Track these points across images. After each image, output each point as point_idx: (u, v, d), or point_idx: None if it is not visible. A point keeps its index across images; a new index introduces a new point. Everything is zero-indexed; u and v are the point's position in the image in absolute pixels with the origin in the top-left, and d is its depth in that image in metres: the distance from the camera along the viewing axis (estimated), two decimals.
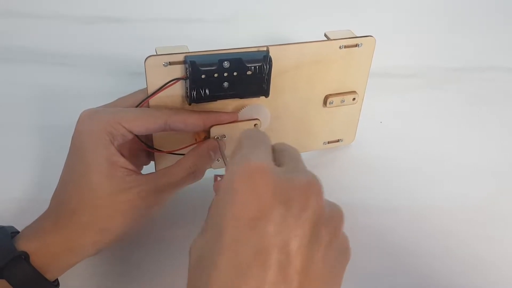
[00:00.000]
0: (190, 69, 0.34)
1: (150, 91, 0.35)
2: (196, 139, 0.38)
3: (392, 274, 0.38)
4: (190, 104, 0.36)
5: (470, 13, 0.59)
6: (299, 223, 0.22)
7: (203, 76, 0.34)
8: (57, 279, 0.35)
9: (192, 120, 0.36)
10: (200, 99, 0.35)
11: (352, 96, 0.43)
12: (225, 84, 0.35)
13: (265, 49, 0.36)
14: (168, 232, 0.39)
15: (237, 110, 0.38)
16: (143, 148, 0.38)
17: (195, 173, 0.36)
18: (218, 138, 0.37)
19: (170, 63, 0.34)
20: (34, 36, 0.54)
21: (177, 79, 0.35)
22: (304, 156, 0.27)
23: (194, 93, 0.35)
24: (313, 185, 0.23)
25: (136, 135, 0.35)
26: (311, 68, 0.40)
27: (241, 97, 0.37)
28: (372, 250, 0.39)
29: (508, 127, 0.51)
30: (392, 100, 0.46)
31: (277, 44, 0.37)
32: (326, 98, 0.42)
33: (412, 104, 0.51)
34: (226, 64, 0.35)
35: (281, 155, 0.27)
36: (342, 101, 0.42)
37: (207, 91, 0.35)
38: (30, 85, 0.50)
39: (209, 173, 0.40)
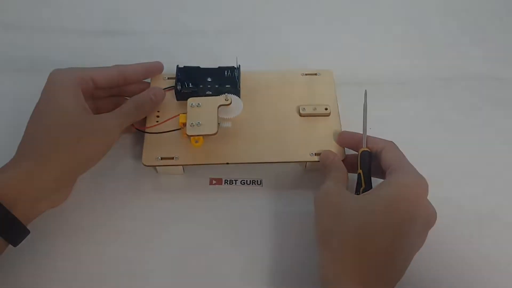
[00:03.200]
0: (178, 72, 0.48)
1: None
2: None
3: None
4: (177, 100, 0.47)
5: (457, 24, 0.61)
6: None
7: (189, 85, 0.47)
8: (27, 228, 0.37)
9: (134, 67, 0.45)
10: (184, 95, 0.46)
11: (324, 106, 0.47)
12: (208, 92, 0.47)
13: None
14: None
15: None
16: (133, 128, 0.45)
17: (138, 108, 0.43)
18: (192, 105, 0.44)
19: (168, 78, 0.49)
20: (42, 48, 0.56)
21: (171, 87, 0.48)
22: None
23: (180, 88, 0.47)
24: None
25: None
26: (280, 89, 0.49)
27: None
28: None
29: (495, 132, 0.52)
30: (381, 107, 0.48)
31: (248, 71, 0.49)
32: (298, 108, 0.47)
33: (401, 111, 0.53)
34: (209, 79, 0.48)
35: None
36: (314, 109, 0.47)
37: (190, 86, 0.47)
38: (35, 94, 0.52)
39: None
